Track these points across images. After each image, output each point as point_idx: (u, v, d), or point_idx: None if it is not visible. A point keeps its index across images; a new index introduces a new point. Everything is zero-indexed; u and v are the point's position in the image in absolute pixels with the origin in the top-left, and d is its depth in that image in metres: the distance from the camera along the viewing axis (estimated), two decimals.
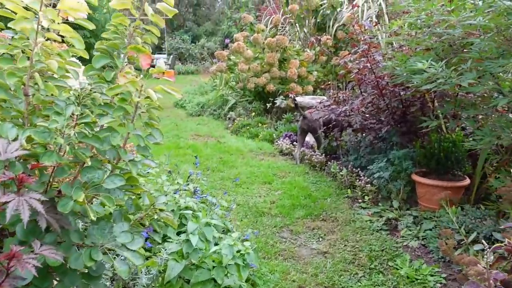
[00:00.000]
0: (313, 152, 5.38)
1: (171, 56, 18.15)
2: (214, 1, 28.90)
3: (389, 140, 4.24)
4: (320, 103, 4.50)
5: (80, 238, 1.28)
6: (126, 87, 1.43)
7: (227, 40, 12.60)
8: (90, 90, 1.40)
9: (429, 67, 2.44)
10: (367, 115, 4.34)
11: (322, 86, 5.48)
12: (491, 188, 3.60)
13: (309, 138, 6.11)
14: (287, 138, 6.32)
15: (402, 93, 3.96)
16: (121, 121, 1.45)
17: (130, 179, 1.44)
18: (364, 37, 4.05)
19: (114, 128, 1.44)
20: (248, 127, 7.01)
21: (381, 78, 4.01)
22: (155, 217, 1.60)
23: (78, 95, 1.37)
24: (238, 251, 2.33)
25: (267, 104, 7.32)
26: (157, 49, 23.92)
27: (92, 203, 1.38)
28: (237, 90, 8.31)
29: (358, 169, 4.53)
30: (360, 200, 4.13)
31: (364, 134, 4.49)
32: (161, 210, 1.60)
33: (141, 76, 1.49)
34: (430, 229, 3.43)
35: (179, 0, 27.03)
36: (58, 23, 1.43)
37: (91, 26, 1.51)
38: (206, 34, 26.17)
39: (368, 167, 4.38)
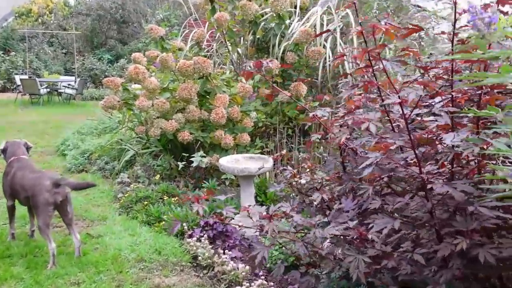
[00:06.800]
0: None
1: (79, 79, 14.97)
2: (141, 19, 26.11)
3: None
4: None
5: None
6: None
7: None
8: None
9: None
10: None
11: (273, 157, 2.89)
12: None
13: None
14: (208, 229, 3.70)
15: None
16: None
17: None
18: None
19: None
20: (146, 203, 4.30)
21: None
22: None
23: None
24: None
25: (178, 163, 4.67)
26: (72, 70, 20.50)
27: None
28: (141, 135, 5.59)
29: None
30: None
31: None
32: None
33: None
34: None
35: (99, 16, 23.84)
36: None
37: None
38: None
39: None
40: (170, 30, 10.00)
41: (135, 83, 5.24)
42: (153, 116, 5.04)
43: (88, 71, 18.02)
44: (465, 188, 1.40)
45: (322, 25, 5.18)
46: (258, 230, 1.91)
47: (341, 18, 5.48)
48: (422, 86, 1.43)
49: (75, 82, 15.05)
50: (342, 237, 1.98)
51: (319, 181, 2.33)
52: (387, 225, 1.54)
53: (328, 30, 3.79)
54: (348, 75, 2.66)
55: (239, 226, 2.44)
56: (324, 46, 5.08)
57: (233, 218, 3.96)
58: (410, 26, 1.64)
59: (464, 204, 1.40)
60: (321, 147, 4.42)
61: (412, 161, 1.58)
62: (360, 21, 2.10)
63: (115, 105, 5.22)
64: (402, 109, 1.50)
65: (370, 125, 1.51)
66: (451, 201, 1.44)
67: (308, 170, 2.56)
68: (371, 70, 1.75)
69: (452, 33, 1.52)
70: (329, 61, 4.92)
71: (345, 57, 4.91)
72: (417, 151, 1.50)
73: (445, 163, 1.70)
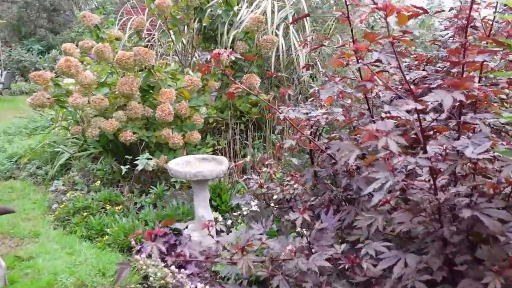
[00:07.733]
0: None
1: (5, 72, 13.72)
2: (73, 6, 24.48)
3: None
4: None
5: None
6: None
7: None
8: None
9: None
10: None
11: (236, 164, 2.50)
12: None
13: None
14: (159, 242, 3.28)
15: None
16: None
17: None
18: None
19: None
20: (86, 214, 3.80)
21: None
22: None
23: None
24: None
25: (121, 166, 4.18)
26: None
27: None
28: (77, 135, 5.00)
29: None
30: None
31: None
32: None
33: None
34: None
35: (27, 4, 22.06)
36: None
37: None
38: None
39: None
40: (105, 18, 9.25)
41: (68, 77, 4.64)
42: (90, 114, 4.49)
43: (16, 63, 16.61)
44: (500, 214, 1.13)
45: (273, 12, 4.85)
46: (229, 262, 1.55)
47: (291, 5, 5.19)
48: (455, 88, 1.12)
49: (1, 75, 13.79)
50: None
51: (290, 192, 2.00)
52: (395, 260, 1.24)
53: (307, 14, 3.46)
54: (309, 67, 2.34)
55: (203, 260, 2.00)
56: (276, 35, 4.76)
57: (187, 227, 3.57)
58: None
59: (499, 234, 1.13)
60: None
61: (424, 177, 1.29)
62: (348, 2, 1.77)
63: (44, 103, 4.59)
64: (419, 118, 1.18)
65: (389, 142, 1.14)
66: (484, 228, 1.16)
67: (267, 173, 2.24)
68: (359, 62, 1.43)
69: (468, 11, 1.23)
70: (282, 50, 4.61)
71: (298, 46, 4.65)
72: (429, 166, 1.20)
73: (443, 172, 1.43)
